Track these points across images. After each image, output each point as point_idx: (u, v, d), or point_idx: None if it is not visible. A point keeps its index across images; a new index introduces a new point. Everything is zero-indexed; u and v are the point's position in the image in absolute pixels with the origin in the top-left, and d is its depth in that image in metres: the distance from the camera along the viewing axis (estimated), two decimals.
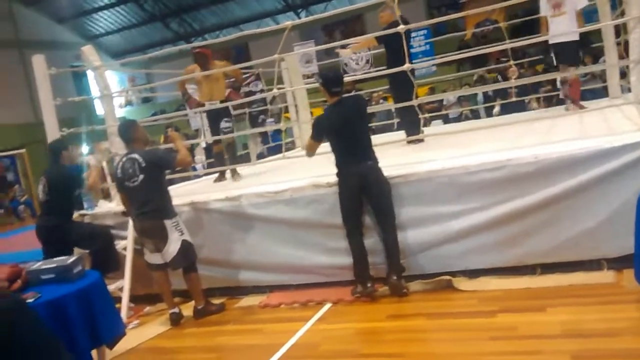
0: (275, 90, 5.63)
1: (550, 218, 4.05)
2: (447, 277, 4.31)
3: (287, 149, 9.18)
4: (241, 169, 6.75)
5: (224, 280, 5.11)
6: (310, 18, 7.72)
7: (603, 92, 8.15)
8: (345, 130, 4.32)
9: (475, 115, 11.95)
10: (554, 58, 6.59)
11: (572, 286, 3.91)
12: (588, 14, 7.61)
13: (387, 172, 4.43)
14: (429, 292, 4.30)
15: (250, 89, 12.65)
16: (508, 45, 6.26)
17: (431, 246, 4.40)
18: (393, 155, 5.35)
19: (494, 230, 4.20)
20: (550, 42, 6.44)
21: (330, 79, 4.43)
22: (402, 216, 4.40)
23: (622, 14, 5.61)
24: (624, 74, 6.68)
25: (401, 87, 5.90)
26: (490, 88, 10.88)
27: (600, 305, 3.54)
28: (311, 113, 10.08)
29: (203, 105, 6.43)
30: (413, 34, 14.30)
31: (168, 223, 4.49)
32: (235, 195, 4.96)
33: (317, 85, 8.73)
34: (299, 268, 4.81)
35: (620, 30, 6.69)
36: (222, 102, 6.42)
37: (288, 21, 5.59)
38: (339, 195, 4.38)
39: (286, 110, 9.23)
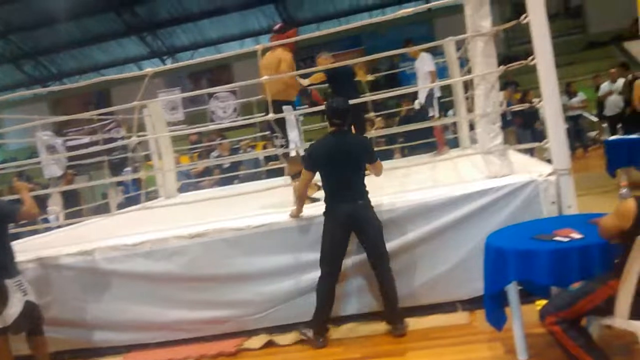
0: (134, 138, 5.39)
1: (407, 263, 4.19)
2: None
3: (150, 199, 8.85)
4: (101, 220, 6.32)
5: (76, 342, 4.68)
6: (174, 65, 7.59)
7: (454, 143, 8.76)
8: (341, 163, 4.05)
9: None
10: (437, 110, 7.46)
11: (430, 329, 4.04)
12: (441, 71, 8.23)
13: (250, 221, 4.39)
14: (298, 343, 4.23)
15: (112, 136, 12.16)
16: (370, 97, 6.57)
17: (298, 295, 4.35)
18: (260, 204, 5.32)
19: (356, 276, 4.26)
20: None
21: (332, 109, 4.16)
22: (266, 266, 4.34)
23: (469, 71, 6.10)
24: (473, 126, 7.23)
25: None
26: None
27: (456, 347, 3.69)
28: (176, 160, 9.87)
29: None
30: None
31: (9, 283, 4.04)
32: (88, 249, 4.62)
33: (182, 132, 8.58)
34: (159, 325, 4.54)
35: (468, 86, 7.28)
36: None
37: (153, 67, 5.43)
38: (324, 234, 4.05)
39: (149, 158, 8.94)
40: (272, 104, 5.05)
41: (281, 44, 5.21)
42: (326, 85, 6.99)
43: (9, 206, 4.41)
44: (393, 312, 4.09)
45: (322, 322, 4.14)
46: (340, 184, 4.05)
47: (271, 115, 4.94)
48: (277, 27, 5.49)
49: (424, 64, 7.39)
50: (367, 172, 4.22)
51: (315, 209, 4.35)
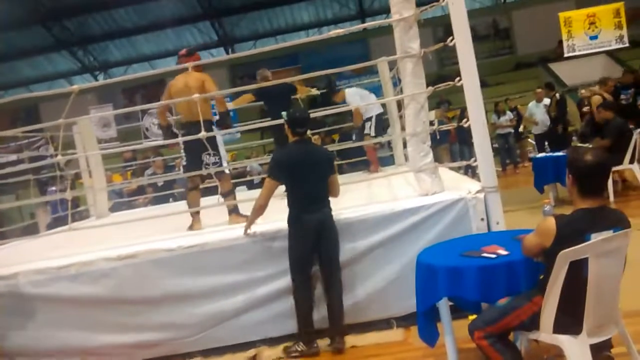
0: (59, 157, 5.19)
1: (343, 281, 4.17)
2: (252, 352, 4.22)
3: (83, 218, 8.55)
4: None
5: None
6: (105, 81, 7.41)
7: (390, 160, 8.92)
8: (308, 173, 4.05)
9: None
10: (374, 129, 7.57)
11: (366, 346, 4.06)
12: (376, 90, 8.37)
13: (182, 242, 4.31)
14: None
15: (40, 154, 11.72)
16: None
17: (232, 316, 4.28)
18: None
19: (286, 297, 4.20)
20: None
21: (295, 119, 4.14)
22: (199, 288, 4.26)
23: (402, 90, 6.24)
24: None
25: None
26: None
27: None
28: (108, 178, 9.58)
29: None
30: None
31: None
32: (10, 273, 4.39)
33: (114, 150, 8.38)
34: (88, 350, 4.34)
35: (401, 105, 7.43)
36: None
37: (85, 83, 5.30)
38: (292, 243, 4.05)
39: (79, 176, 8.65)
40: (200, 123, 5.00)
41: (194, 66, 5.25)
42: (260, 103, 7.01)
43: None
44: (337, 325, 4.09)
45: (309, 330, 4.09)
46: (309, 193, 4.06)
47: (212, 133, 5.06)
48: (184, 51, 5.57)
49: (351, 102, 7.52)
50: None
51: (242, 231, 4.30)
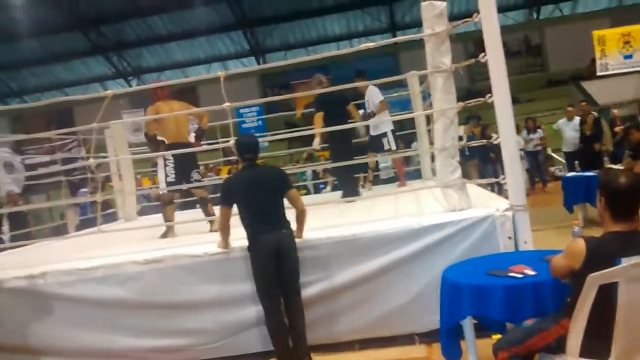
0: (91, 160, 5.30)
1: (365, 294, 4.17)
2: None
3: (111, 220, 8.66)
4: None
5: None
6: (139, 87, 7.53)
7: (417, 174, 8.86)
8: (259, 194, 4.00)
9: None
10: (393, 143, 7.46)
11: None
12: (405, 103, 8.33)
13: (207, 248, 4.36)
14: None
15: (72, 156, 11.93)
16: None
17: (254, 325, 4.28)
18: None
19: (311, 308, 4.19)
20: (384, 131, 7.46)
21: (243, 144, 4.18)
22: (223, 294, 4.29)
23: (431, 105, 6.21)
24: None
25: (341, 148, 6.73)
26: (320, 167, 11.42)
27: None
28: (138, 182, 9.73)
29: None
30: (246, 110, 14.69)
31: None
32: (39, 272, 4.47)
33: (144, 156, 8.51)
34: (110, 353, 4.40)
35: (430, 119, 7.36)
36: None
37: (118, 88, 5.43)
38: (255, 270, 3.98)
39: (109, 179, 8.79)
40: (187, 143, 5.84)
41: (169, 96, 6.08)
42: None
43: None
44: (302, 349, 4.00)
45: (286, 354, 4.03)
46: (262, 215, 4.01)
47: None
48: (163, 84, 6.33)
49: (374, 95, 7.40)
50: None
51: None
